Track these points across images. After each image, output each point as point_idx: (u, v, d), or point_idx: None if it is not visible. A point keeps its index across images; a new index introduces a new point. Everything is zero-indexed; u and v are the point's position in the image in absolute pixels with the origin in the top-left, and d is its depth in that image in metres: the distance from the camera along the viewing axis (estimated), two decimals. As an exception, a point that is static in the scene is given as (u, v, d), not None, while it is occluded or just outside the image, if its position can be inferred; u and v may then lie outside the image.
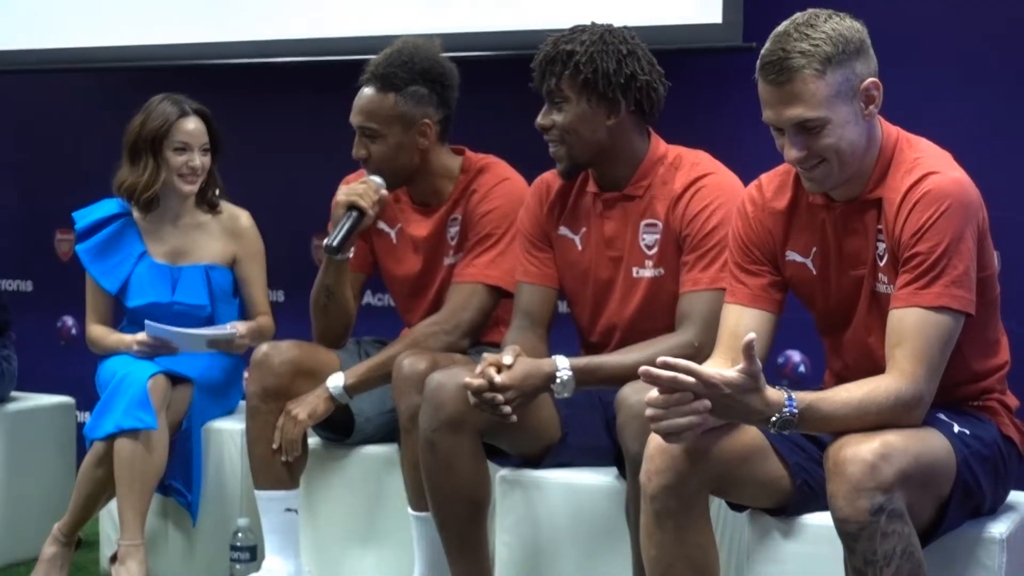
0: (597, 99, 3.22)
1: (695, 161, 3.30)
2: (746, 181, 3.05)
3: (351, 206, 3.57)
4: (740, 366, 2.53)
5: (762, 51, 2.70)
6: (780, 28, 2.71)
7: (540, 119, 3.27)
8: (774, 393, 2.56)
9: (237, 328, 3.98)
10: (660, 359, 2.54)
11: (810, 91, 2.65)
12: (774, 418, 2.55)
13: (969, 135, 3.57)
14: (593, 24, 3.28)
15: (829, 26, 2.67)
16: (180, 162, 4.04)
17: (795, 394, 2.57)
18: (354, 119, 3.61)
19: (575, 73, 3.20)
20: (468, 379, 3.10)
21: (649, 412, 2.58)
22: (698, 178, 3.25)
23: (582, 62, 3.19)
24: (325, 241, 3.60)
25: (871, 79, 2.70)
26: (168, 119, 4.03)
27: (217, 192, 4.14)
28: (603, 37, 3.23)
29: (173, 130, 4.03)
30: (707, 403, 2.55)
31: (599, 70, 3.20)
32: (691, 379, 2.52)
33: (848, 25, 2.70)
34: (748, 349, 2.52)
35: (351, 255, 3.67)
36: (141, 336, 3.96)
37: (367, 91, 3.60)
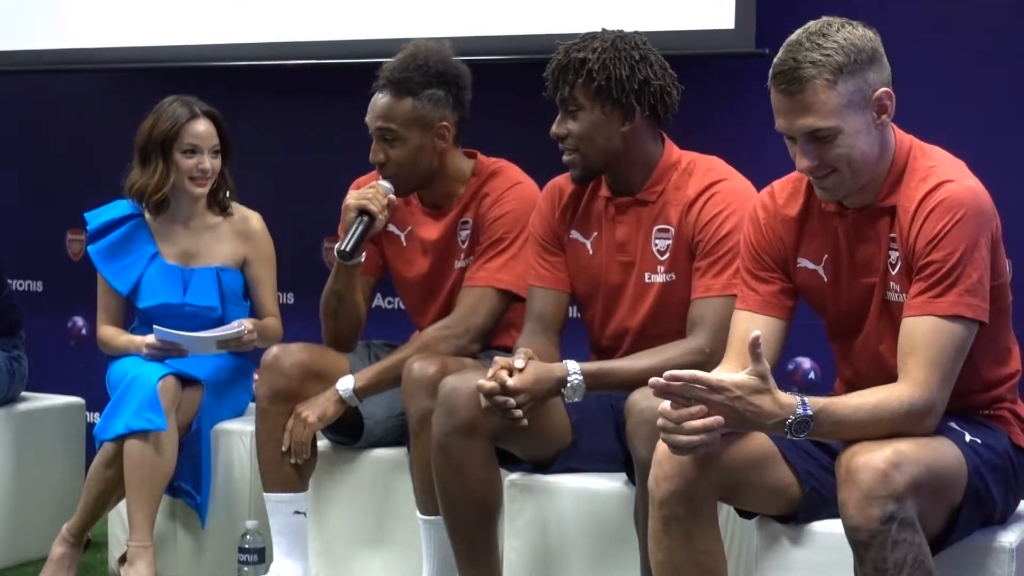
0: (611, 106, 3.22)
1: (709, 167, 3.30)
2: (759, 187, 3.05)
3: (361, 210, 3.57)
4: (748, 368, 2.54)
5: (774, 60, 2.70)
6: (792, 37, 2.70)
7: (555, 128, 3.27)
8: (786, 396, 2.56)
9: (244, 324, 3.98)
10: (668, 373, 2.54)
11: (821, 101, 2.64)
12: (789, 419, 2.55)
13: (981, 143, 3.56)
14: (604, 31, 3.28)
15: (841, 35, 2.67)
16: (190, 165, 4.04)
17: (807, 398, 2.57)
18: (372, 122, 3.61)
19: (588, 81, 3.20)
20: (481, 381, 3.10)
21: (660, 423, 2.58)
22: (712, 184, 3.25)
23: (595, 69, 3.19)
24: (337, 247, 3.61)
25: (884, 88, 2.70)
26: (178, 121, 4.03)
27: (228, 194, 4.15)
28: (615, 43, 3.23)
29: (183, 132, 4.04)
30: (720, 419, 2.55)
31: (612, 77, 3.20)
32: (701, 386, 2.52)
33: (861, 34, 2.69)
34: (754, 347, 2.52)
35: (362, 259, 3.67)
36: (150, 339, 3.97)
37: (383, 96, 3.60)
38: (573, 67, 3.21)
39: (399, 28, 4.30)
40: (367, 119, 3.61)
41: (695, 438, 2.55)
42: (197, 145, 4.04)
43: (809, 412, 2.55)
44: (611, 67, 3.19)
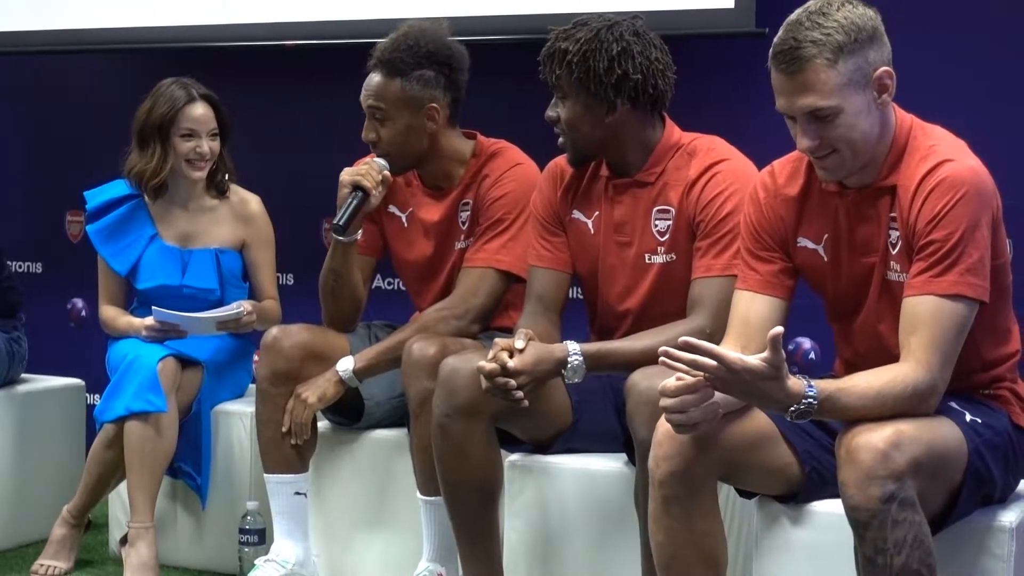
0: (591, 98, 3.20)
1: (710, 147, 3.28)
2: (760, 167, 3.04)
3: (355, 186, 3.58)
4: (764, 355, 2.52)
5: (774, 40, 2.70)
6: (793, 16, 2.70)
7: (548, 111, 3.28)
8: (795, 383, 2.55)
9: (243, 306, 3.98)
10: (682, 340, 2.54)
11: (822, 80, 2.64)
12: (793, 408, 2.55)
13: (981, 123, 3.55)
14: (600, 16, 3.24)
15: (841, 14, 2.66)
16: (187, 148, 4.03)
17: (816, 383, 2.57)
18: (363, 101, 3.62)
19: (568, 72, 3.19)
20: (481, 363, 3.10)
21: (663, 403, 2.58)
22: (713, 164, 3.24)
23: (574, 62, 3.18)
24: (331, 222, 3.61)
25: (884, 68, 2.69)
26: (175, 105, 4.02)
27: (227, 176, 4.14)
28: (599, 35, 3.19)
29: (180, 116, 4.02)
30: (711, 390, 2.56)
31: (591, 70, 3.17)
32: (711, 362, 2.52)
33: (861, 13, 2.68)
34: (775, 341, 2.51)
35: (358, 237, 3.67)
36: (149, 321, 3.97)
37: (375, 76, 3.60)
38: (557, 56, 3.20)
39: (398, 8, 4.29)
40: (360, 97, 3.62)
41: (697, 412, 2.56)
42: (195, 129, 4.03)
43: (815, 403, 2.55)
44: (590, 60, 3.17)
